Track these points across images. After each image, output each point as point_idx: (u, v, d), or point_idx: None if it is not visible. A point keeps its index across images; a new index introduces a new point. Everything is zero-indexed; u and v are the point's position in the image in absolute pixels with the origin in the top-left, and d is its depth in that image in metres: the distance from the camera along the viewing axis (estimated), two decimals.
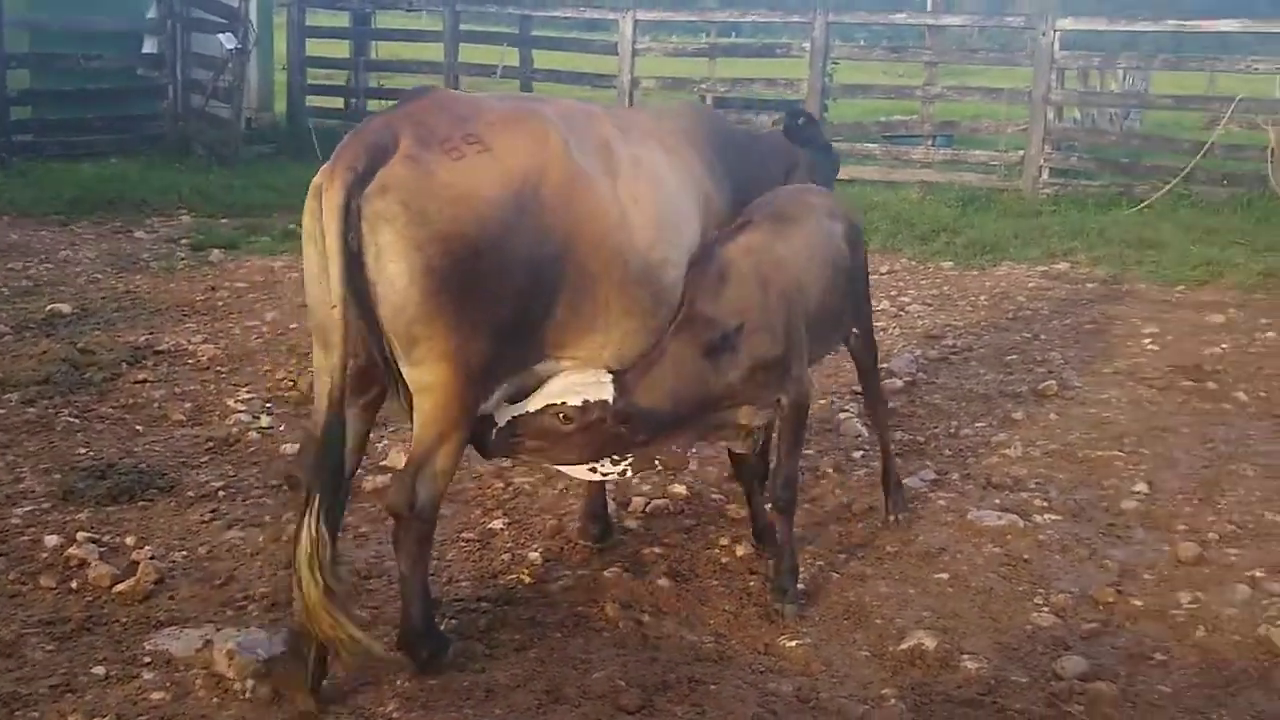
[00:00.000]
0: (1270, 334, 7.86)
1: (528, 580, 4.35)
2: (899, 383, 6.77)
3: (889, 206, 12.12)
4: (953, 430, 6.04)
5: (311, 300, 3.50)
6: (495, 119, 3.57)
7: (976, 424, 6.17)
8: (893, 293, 9.20)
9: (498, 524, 4.82)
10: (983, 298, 9.09)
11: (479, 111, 3.59)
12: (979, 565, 4.57)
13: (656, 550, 4.62)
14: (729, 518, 4.96)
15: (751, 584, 4.36)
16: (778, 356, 3.98)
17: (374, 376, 3.61)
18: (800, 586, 4.25)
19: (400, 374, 3.52)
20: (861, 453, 5.71)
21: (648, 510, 4.98)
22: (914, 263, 10.38)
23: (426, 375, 3.47)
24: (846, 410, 6.28)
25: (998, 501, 5.17)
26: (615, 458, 3.90)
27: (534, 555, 4.53)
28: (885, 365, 7.08)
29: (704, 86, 15.49)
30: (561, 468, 4.05)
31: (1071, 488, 5.35)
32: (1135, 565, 4.58)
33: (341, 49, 18.03)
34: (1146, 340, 7.80)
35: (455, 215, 3.36)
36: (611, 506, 4.90)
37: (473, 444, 3.76)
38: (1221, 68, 14.37)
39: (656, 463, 4.06)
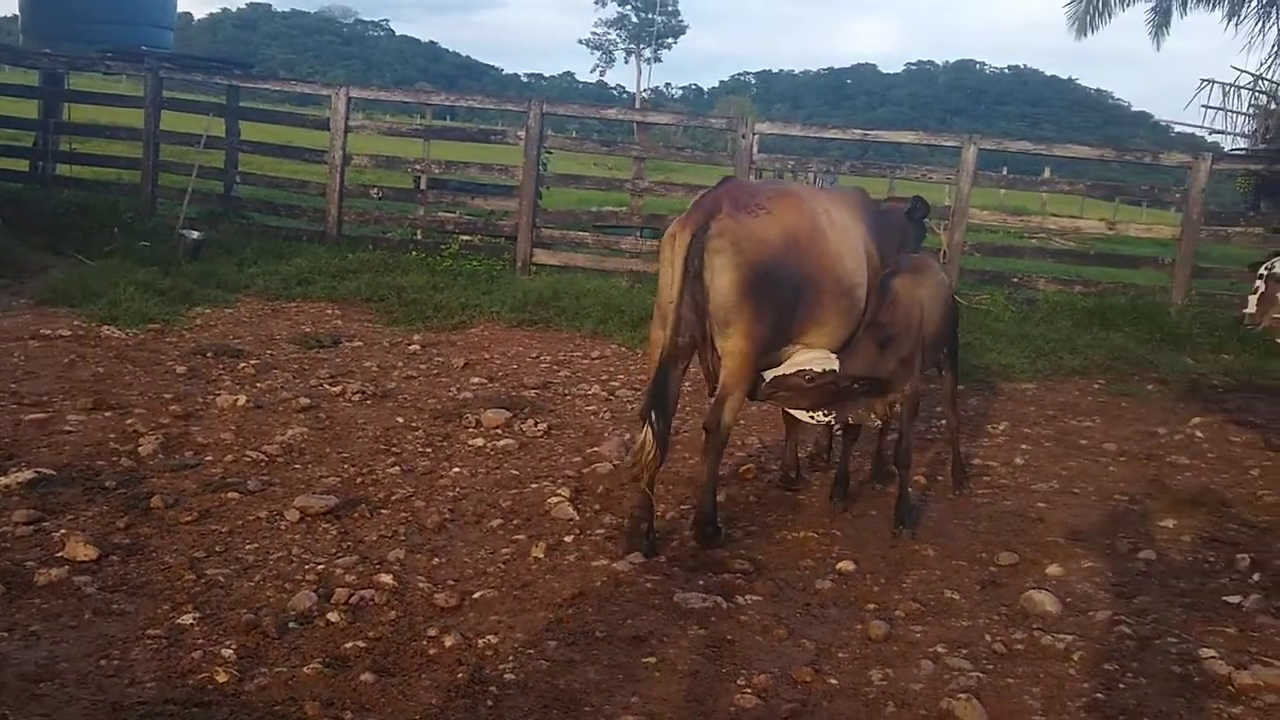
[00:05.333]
0: (943, 422, 8.47)
1: (221, 679, 4.06)
2: (608, 466, 6.86)
3: (600, 293, 12.32)
4: (659, 512, 6.13)
5: (661, 297, 5.65)
6: (773, 195, 5.81)
7: (682, 506, 6.32)
8: (604, 377, 9.37)
9: (188, 619, 4.50)
10: (688, 385, 9.31)
11: (763, 191, 5.86)
12: (685, 648, 4.64)
13: (360, 644, 4.43)
14: (437, 607, 4.83)
15: (460, 676, 4.25)
16: (910, 356, 6.05)
17: (688, 352, 5.69)
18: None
19: (714, 344, 5.61)
20: (572, 536, 5.73)
21: (352, 601, 4.77)
22: (624, 349, 10.60)
23: (731, 345, 5.57)
24: (558, 495, 6.28)
25: (702, 583, 5.29)
26: (826, 410, 5.93)
27: (228, 652, 4.24)
28: (595, 449, 7.18)
29: (418, 166, 15.44)
30: (795, 412, 6.00)
31: (771, 568, 5.55)
32: (831, 644, 4.78)
33: (30, 109, 16.85)
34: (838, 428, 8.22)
35: (756, 250, 5.50)
36: (321, 595, 4.70)
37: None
38: (901, 175, 15.59)
39: (850, 419, 6.25)
